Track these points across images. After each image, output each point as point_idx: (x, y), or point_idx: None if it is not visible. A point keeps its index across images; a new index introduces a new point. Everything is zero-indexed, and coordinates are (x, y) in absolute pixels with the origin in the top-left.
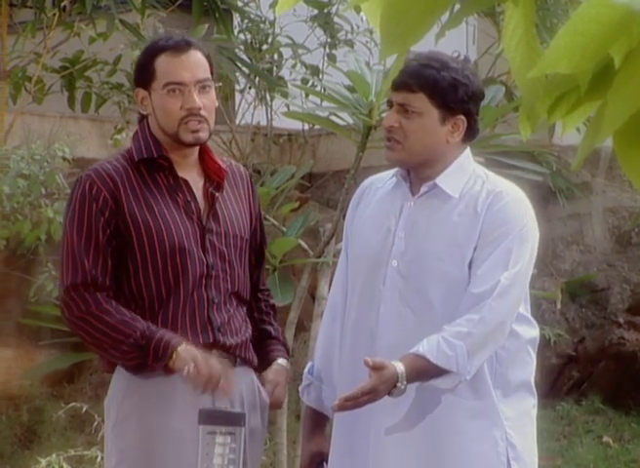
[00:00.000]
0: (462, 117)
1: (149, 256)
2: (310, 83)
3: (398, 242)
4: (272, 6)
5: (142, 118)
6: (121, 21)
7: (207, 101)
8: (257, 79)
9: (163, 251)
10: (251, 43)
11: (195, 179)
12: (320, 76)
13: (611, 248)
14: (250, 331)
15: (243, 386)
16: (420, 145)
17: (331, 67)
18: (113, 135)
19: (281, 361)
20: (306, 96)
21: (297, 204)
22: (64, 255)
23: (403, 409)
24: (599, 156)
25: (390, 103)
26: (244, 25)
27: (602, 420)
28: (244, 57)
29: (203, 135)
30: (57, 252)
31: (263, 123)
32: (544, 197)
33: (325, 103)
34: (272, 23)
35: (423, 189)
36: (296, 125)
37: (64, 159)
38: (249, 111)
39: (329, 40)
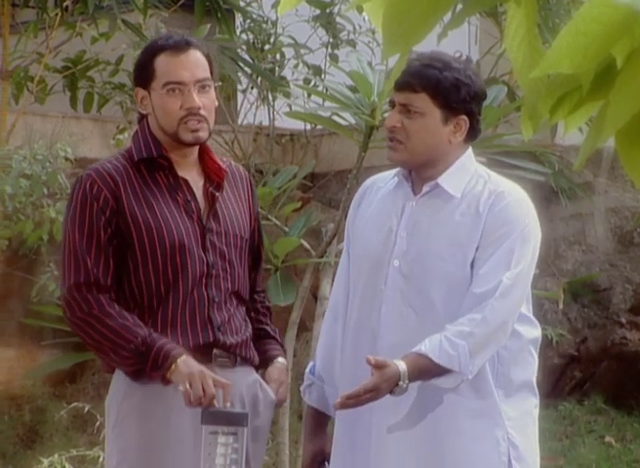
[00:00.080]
0: (465, 117)
1: (149, 255)
2: (312, 83)
3: (400, 242)
4: (274, 6)
5: (142, 117)
6: (123, 21)
7: (207, 101)
8: (259, 79)
9: (163, 249)
10: (253, 43)
11: (195, 179)
12: (322, 76)
13: (613, 248)
14: (250, 330)
15: (243, 386)
16: (423, 145)
17: (333, 67)
18: (115, 135)
19: (281, 359)
20: (309, 96)
21: (299, 204)
22: (66, 255)
23: (405, 409)
24: (601, 156)
25: (393, 103)
26: (246, 25)
27: (604, 420)
28: (246, 57)
29: (203, 134)
30: (59, 252)
31: (266, 123)
32: (547, 197)
33: (327, 103)
34: (274, 23)
35: (425, 189)
36: (298, 125)
37: (67, 159)
38: (251, 111)
39: (331, 40)
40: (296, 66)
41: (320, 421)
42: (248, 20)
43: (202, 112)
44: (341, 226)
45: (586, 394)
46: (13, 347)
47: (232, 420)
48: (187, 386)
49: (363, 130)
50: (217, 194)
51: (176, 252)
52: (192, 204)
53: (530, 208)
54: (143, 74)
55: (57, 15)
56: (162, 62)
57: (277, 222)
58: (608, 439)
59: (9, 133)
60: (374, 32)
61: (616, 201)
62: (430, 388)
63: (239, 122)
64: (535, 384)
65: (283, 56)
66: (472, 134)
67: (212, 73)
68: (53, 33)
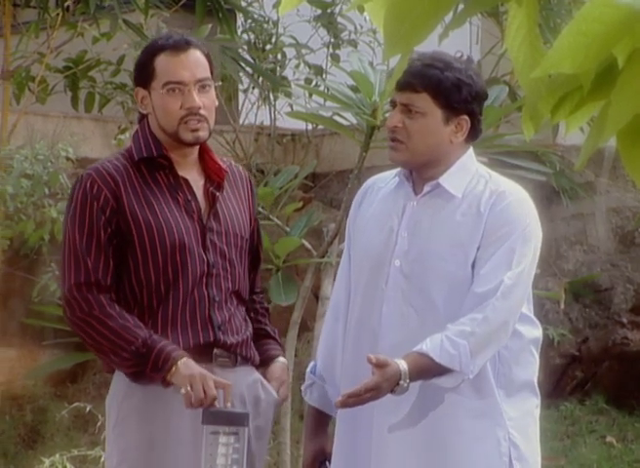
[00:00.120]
0: (466, 117)
1: (150, 254)
2: (314, 83)
3: (401, 241)
4: (276, 6)
5: (142, 117)
6: (124, 21)
7: (207, 101)
8: (260, 79)
9: (163, 248)
10: (254, 43)
11: (195, 179)
12: (323, 76)
13: (614, 248)
14: (250, 329)
15: (244, 386)
16: (424, 145)
17: (334, 67)
18: (117, 135)
19: (282, 359)
20: (310, 95)
21: (300, 204)
22: (66, 254)
23: (405, 408)
24: (603, 156)
25: (394, 104)
26: (247, 25)
27: (605, 420)
28: (247, 57)
29: (203, 134)
30: (60, 252)
31: (267, 123)
32: (548, 197)
33: (328, 103)
34: (276, 23)
35: (426, 189)
36: (299, 125)
37: (68, 159)
38: (252, 111)
39: (332, 40)
40: (297, 66)
41: (321, 421)
42: (249, 20)
43: (202, 112)
44: (343, 226)
45: (588, 394)
46: (14, 347)
47: (233, 420)
48: (188, 388)
49: (364, 130)
50: (217, 194)
51: (176, 251)
52: (193, 203)
53: (531, 208)
54: (143, 74)
55: (58, 15)
56: (162, 62)
57: (278, 222)
58: (609, 439)
59: (10, 133)
60: (375, 32)
61: (617, 201)
62: (431, 388)
63: (240, 122)
64: (536, 384)
65: (284, 55)
66: (473, 134)
67: (212, 73)
68: (54, 33)
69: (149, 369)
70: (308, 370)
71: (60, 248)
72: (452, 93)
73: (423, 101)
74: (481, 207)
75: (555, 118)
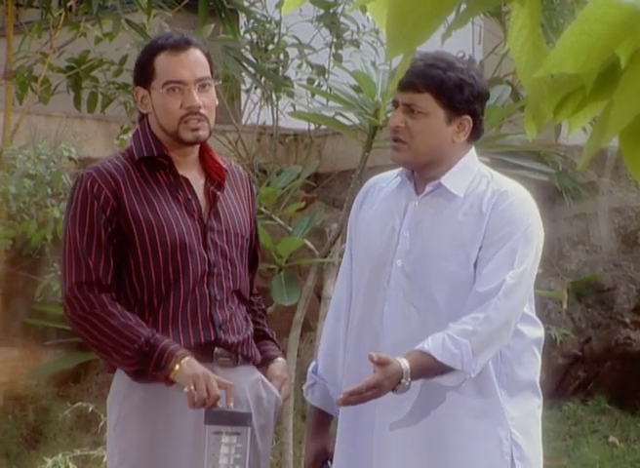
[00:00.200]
0: (468, 117)
1: (151, 253)
2: (316, 83)
3: (403, 241)
4: (278, 6)
5: (143, 117)
6: (127, 21)
7: (207, 100)
8: (262, 79)
9: (164, 247)
10: (257, 43)
11: (196, 178)
12: (326, 76)
13: (617, 248)
14: (251, 328)
15: (245, 385)
16: (426, 145)
17: (337, 67)
18: (119, 135)
19: (281, 359)
20: (312, 95)
21: (302, 204)
22: (67, 254)
23: (407, 407)
24: (605, 156)
25: (396, 104)
26: (250, 25)
27: (608, 420)
28: (250, 56)
29: (203, 133)
30: (61, 251)
31: (269, 123)
32: (550, 197)
33: (331, 103)
34: (278, 23)
35: (428, 188)
36: (302, 125)
37: (71, 159)
38: (255, 111)
39: (335, 40)
40: (299, 66)
41: (323, 421)
42: (252, 20)
43: (202, 111)
44: (345, 226)
45: (590, 394)
46: (17, 347)
47: (236, 420)
48: (192, 387)
49: (367, 130)
50: (218, 193)
51: (177, 250)
52: (193, 202)
53: (533, 207)
54: (143, 73)
55: (61, 15)
56: (162, 62)
57: (281, 222)
58: (612, 439)
59: (13, 133)
60: (377, 32)
61: (619, 201)
62: (433, 386)
63: (243, 122)
64: (538, 384)
65: (287, 55)
66: (475, 134)
67: (212, 72)
68: (57, 33)
69: (152, 367)
70: (310, 369)
71: (61, 247)
72: (454, 93)
73: (426, 101)
74: (483, 206)
75: (558, 118)
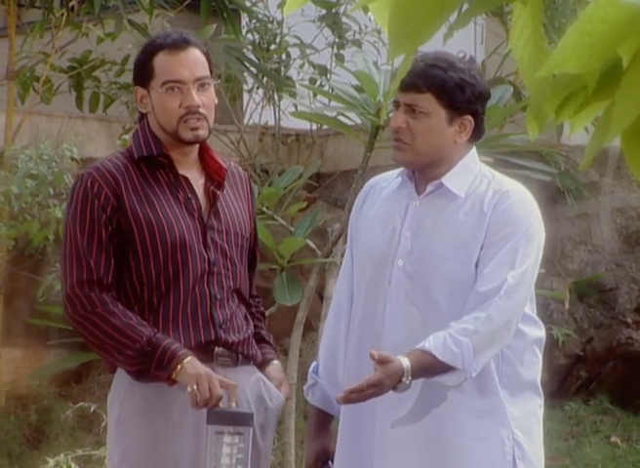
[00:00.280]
0: (470, 117)
1: (151, 252)
2: (318, 83)
3: (404, 241)
4: (280, 6)
5: (142, 116)
6: (129, 22)
7: (206, 99)
8: (264, 79)
9: (164, 246)
10: (259, 43)
11: (196, 177)
12: (328, 76)
13: (619, 248)
14: (252, 327)
15: (246, 385)
16: (428, 146)
17: (339, 67)
18: (121, 135)
19: (276, 362)
20: (314, 95)
21: (304, 204)
22: (67, 253)
23: (409, 407)
24: (607, 156)
25: (397, 104)
26: (252, 25)
27: (610, 420)
28: (252, 57)
29: (202, 132)
30: (61, 250)
31: (271, 123)
32: (552, 197)
33: (333, 103)
34: (280, 23)
35: (429, 188)
36: (303, 125)
37: (73, 159)
38: (257, 111)
39: (337, 40)
40: (301, 66)
41: (324, 421)
42: (254, 20)
43: (201, 110)
44: (347, 226)
45: (592, 394)
46: (19, 347)
47: (238, 420)
48: (194, 387)
49: (369, 130)
50: (218, 192)
51: (177, 248)
52: (193, 201)
53: (534, 207)
54: (142, 73)
55: (62, 15)
56: (161, 61)
57: (283, 222)
58: (614, 439)
59: (15, 133)
60: (379, 32)
61: (622, 201)
62: (434, 386)
63: (245, 122)
64: (539, 384)
65: (289, 56)
66: (477, 134)
67: (211, 71)
68: (59, 33)
69: (154, 367)
70: (310, 370)
71: (61, 246)
72: (455, 93)
73: (427, 102)
74: (484, 206)
75: (560, 118)
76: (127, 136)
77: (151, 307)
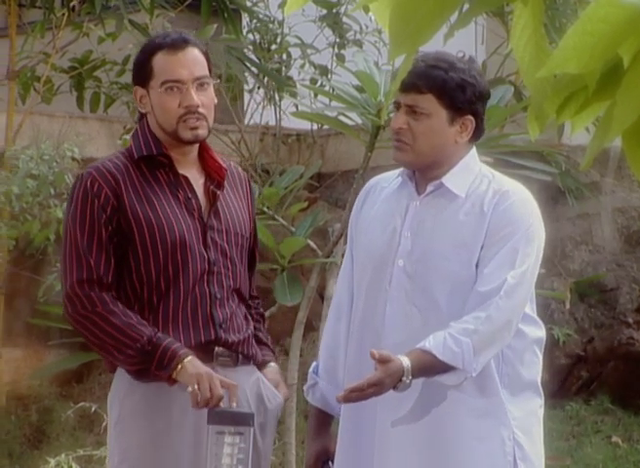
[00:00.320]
0: (471, 117)
1: (151, 251)
2: (319, 83)
3: (404, 241)
4: (281, 6)
5: (142, 116)
6: (130, 22)
7: (205, 99)
8: (265, 79)
9: (164, 245)
10: (259, 43)
11: (196, 177)
12: (329, 76)
13: (620, 248)
14: (252, 327)
15: (246, 385)
16: (429, 146)
17: (339, 67)
18: (122, 135)
19: (273, 364)
20: (315, 96)
21: (305, 204)
22: (67, 252)
23: (409, 407)
24: (608, 156)
25: (398, 105)
26: (253, 25)
27: (611, 420)
28: (253, 57)
29: (202, 132)
30: (61, 249)
31: (272, 123)
32: (553, 197)
33: (334, 103)
34: (281, 23)
35: (430, 188)
36: (304, 125)
37: (73, 159)
38: (257, 111)
39: (337, 40)
40: (302, 66)
41: (324, 421)
42: (254, 20)
43: (201, 110)
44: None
45: (593, 394)
46: (20, 347)
47: (239, 420)
48: (195, 387)
49: (369, 130)
50: (217, 192)
51: (177, 248)
52: (193, 201)
53: (534, 207)
54: (142, 73)
55: (63, 15)
56: (160, 61)
57: (284, 222)
58: (615, 439)
59: (16, 133)
60: (380, 32)
61: (622, 201)
62: (435, 386)
63: (246, 122)
64: (539, 384)
65: (289, 56)
66: (477, 133)
67: (210, 71)
68: (59, 33)
69: (154, 366)
70: (310, 370)
71: (61, 245)
72: (456, 93)
73: (428, 102)
74: (484, 206)
75: (561, 118)
76: (128, 137)
77: (151, 307)
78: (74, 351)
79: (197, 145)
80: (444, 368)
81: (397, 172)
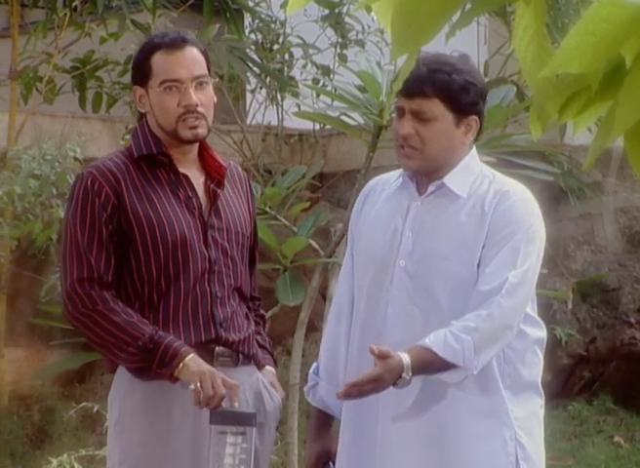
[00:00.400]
0: (475, 117)
1: (151, 250)
2: (321, 83)
3: (405, 242)
4: (283, 6)
5: (142, 116)
6: (132, 22)
7: (204, 98)
8: (268, 79)
9: (165, 244)
10: (262, 43)
11: (196, 176)
12: (331, 76)
13: (622, 248)
14: (252, 327)
15: (247, 385)
16: (438, 150)
17: (342, 67)
18: (124, 135)
19: (269, 368)
20: (317, 96)
21: (307, 204)
22: (67, 251)
23: (411, 409)
24: (610, 156)
25: (402, 111)
26: (255, 25)
27: (613, 420)
28: (255, 57)
29: (201, 131)
30: (61, 248)
31: (274, 123)
32: (556, 197)
33: (336, 103)
34: (283, 23)
35: (431, 189)
36: (306, 125)
37: (76, 159)
38: (260, 111)
39: (340, 40)
40: (304, 66)
41: (324, 422)
42: (257, 20)
43: (200, 109)
44: None
45: (595, 394)
46: (22, 347)
47: (241, 420)
48: (198, 385)
49: (371, 130)
50: (218, 191)
51: (177, 247)
52: (193, 200)
53: (535, 207)
54: (141, 72)
55: (66, 15)
56: (158, 60)
57: (286, 222)
58: (617, 439)
59: (18, 133)
60: (382, 32)
61: (625, 201)
62: (437, 387)
63: (248, 122)
64: (540, 385)
65: (292, 56)
66: (478, 133)
67: (209, 70)
68: (62, 33)
69: (156, 364)
70: (311, 371)
71: (61, 244)
72: (461, 95)
73: (435, 107)
74: (485, 206)
75: (563, 118)
76: (129, 136)
77: (152, 305)
78: (76, 351)
79: (197, 144)
80: (445, 365)
81: (397, 172)
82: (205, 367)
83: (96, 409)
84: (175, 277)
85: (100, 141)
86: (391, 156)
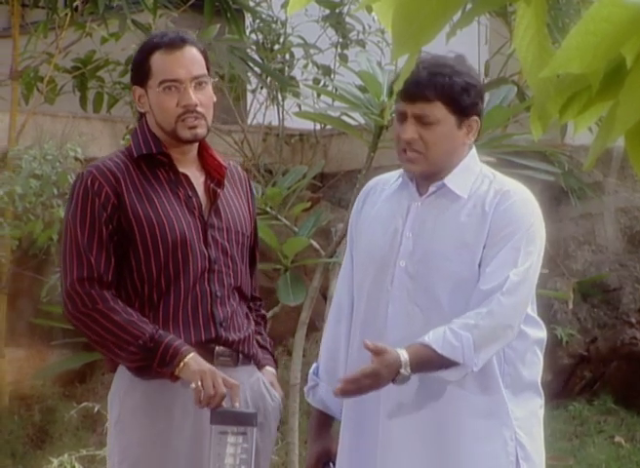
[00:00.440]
0: (476, 118)
1: (151, 250)
2: (322, 83)
3: (406, 242)
4: (284, 6)
5: (141, 116)
6: (133, 22)
7: (203, 97)
8: (268, 79)
9: (165, 244)
10: (262, 43)
11: (196, 175)
12: (332, 76)
13: (623, 248)
14: (252, 326)
15: (247, 385)
16: (442, 153)
17: (342, 67)
18: (125, 135)
19: (269, 368)
20: (318, 96)
21: (308, 204)
22: (67, 250)
23: (412, 409)
24: (611, 156)
25: (403, 115)
26: (256, 25)
27: (614, 420)
28: (256, 57)
29: (201, 131)
30: (61, 248)
31: (275, 123)
32: (556, 197)
33: (336, 103)
34: (284, 23)
35: (432, 189)
36: (307, 125)
37: (76, 159)
38: (260, 111)
39: (340, 40)
40: (305, 66)
41: (324, 422)
42: (257, 20)
43: (199, 109)
44: None
45: (596, 394)
46: (23, 347)
47: (242, 420)
48: (199, 384)
49: (372, 130)
50: (218, 190)
51: (178, 246)
52: (193, 199)
53: (535, 207)
54: (140, 72)
55: (66, 15)
56: (157, 60)
57: (287, 222)
58: (617, 439)
59: (19, 133)
60: (383, 32)
61: (625, 201)
62: (438, 386)
63: (248, 122)
64: (539, 385)
65: (292, 56)
66: (478, 133)
67: (208, 69)
68: (62, 33)
69: (156, 363)
70: (311, 371)
71: (61, 244)
72: (462, 97)
73: (437, 110)
74: (486, 206)
75: (564, 118)
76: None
77: (152, 305)
78: (77, 351)
79: (197, 144)
80: (444, 362)
81: (397, 172)
82: (206, 366)
83: (96, 409)
84: (175, 276)
85: (101, 141)
86: (392, 156)
